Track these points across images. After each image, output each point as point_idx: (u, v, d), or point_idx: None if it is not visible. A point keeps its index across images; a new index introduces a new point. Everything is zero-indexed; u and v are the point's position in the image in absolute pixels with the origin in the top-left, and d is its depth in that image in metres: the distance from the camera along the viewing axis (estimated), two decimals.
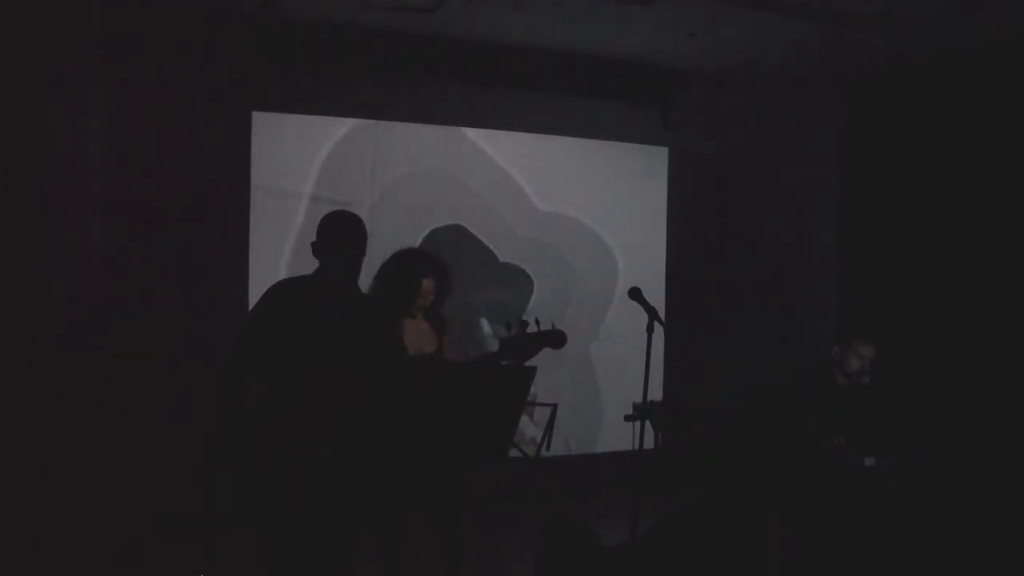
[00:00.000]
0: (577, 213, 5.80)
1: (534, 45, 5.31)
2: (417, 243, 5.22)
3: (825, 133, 6.32)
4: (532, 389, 3.11)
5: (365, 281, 3.37)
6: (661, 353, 5.64)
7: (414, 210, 5.31)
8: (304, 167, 5.03)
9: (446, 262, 3.47)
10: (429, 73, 5.18)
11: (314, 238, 3.02)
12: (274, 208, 4.94)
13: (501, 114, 5.47)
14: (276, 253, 4.88)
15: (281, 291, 3.06)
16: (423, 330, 3.41)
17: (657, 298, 5.64)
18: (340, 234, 3.03)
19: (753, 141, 6.14)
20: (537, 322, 3.30)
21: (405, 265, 3.34)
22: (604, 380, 5.86)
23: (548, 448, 3.50)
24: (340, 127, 5.12)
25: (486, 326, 5.48)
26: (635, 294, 3.54)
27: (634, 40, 5.18)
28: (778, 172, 6.23)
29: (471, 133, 5.48)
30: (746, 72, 5.77)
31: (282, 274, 4.47)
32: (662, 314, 3.68)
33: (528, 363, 3.27)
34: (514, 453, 3.20)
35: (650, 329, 3.41)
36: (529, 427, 4.34)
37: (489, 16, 4.76)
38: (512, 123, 5.50)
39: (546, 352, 3.38)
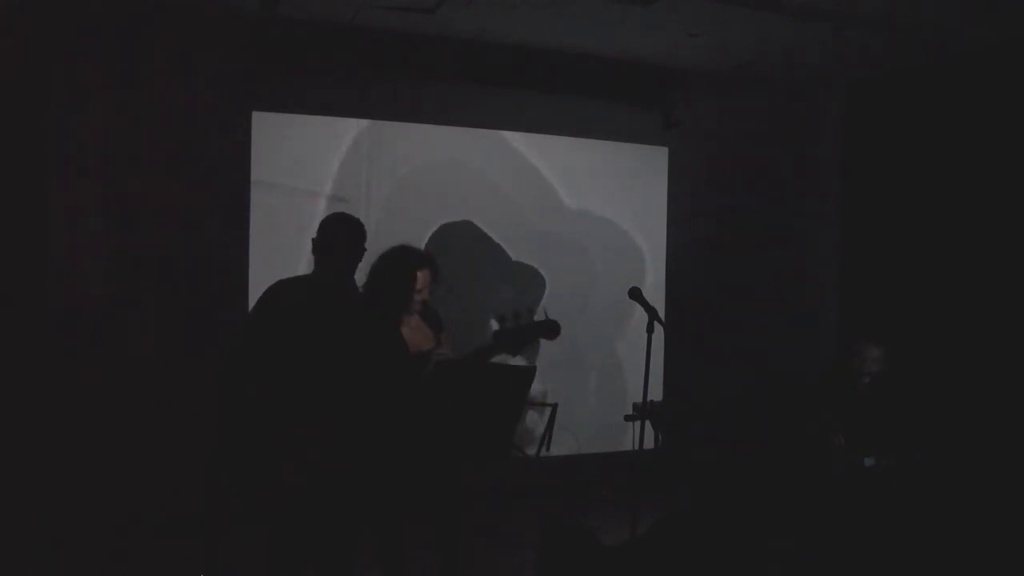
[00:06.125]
0: (601, 209, 5.76)
1: (534, 45, 5.30)
2: (425, 239, 5.20)
3: (825, 133, 6.32)
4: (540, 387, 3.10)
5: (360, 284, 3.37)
6: (661, 353, 5.64)
7: (422, 206, 5.28)
8: (304, 166, 5.02)
9: (434, 255, 3.43)
10: (429, 73, 5.18)
11: (314, 236, 3.09)
12: (274, 207, 4.94)
13: (501, 114, 5.46)
14: (277, 252, 4.87)
15: (279, 290, 3.10)
16: (421, 328, 3.40)
17: (657, 298, 5.65)
18: (335, 234, 3.09)
19: (753, 141, 6.14)
20: (531, 313, 3.27)
21: (397, 261, 3.32)
22: (611, 379, 5.84)
23: (548, 448, 3.50)
24: (341, 125, 5.10)
25: (495, 326, 5.45)
26: (635, 294, 3.55)
27: (634, 40, 5.18)
28: (778, 172, 6.23)
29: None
30: (746, 72, 5.77)
31: (282, 273, 4.46)
32: (662, 314, 3.68)
33: (533, 363, 3.27)
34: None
35: (650, 329, 3.42)
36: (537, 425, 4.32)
37: (489, 16, 4.75)
38: (512, 123, 5.49)
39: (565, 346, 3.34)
